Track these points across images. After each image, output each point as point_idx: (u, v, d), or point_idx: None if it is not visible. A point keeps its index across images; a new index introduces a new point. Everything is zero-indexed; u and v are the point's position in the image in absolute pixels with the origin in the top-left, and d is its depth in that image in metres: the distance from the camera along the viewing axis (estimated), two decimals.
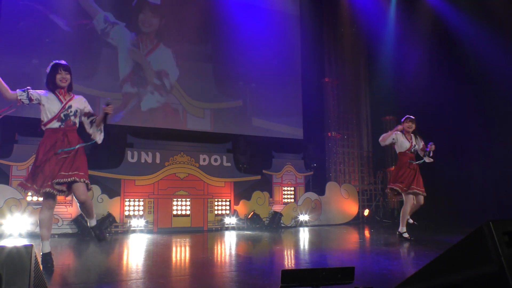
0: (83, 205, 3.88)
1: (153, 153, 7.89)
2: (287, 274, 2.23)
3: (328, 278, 2.24)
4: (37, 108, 3.84)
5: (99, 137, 3.99)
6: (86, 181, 3.77)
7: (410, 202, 6.11)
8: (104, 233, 4.21)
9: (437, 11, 9.71)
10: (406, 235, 6.03)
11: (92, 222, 4.13)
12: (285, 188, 9.30)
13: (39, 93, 3.79)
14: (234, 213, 8.32)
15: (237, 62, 9.28)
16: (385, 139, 6.28)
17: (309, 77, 10.46)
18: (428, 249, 5.22)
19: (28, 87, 3.75)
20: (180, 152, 8.10)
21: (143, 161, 7.78)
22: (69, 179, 3.67)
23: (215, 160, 8.40)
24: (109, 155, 7.53)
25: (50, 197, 3.72)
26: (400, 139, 6.27)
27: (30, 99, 3.72)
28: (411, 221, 6.26)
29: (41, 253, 3.73)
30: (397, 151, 6.36)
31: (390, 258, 4.47)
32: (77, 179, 3.69)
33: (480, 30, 8.59)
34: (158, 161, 7.89)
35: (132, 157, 7.71)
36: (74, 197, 3.87)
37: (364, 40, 11.37)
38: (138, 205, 7.63)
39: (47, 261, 3.72)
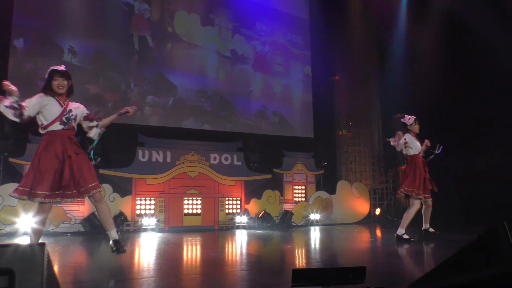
0: (100, 206, 3.75)
1: (164, 152, 7.92)
2: (298, 273, 2.22)
3: (339, 277, 2.22)
4: None
5: (94, 134, 3.89)
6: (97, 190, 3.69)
7: (417, 206, 5.94)
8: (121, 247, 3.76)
9: (449, 5, 9.60)
10: (406, 236, 5.74)
11: (113, 235, 3.76)
12: (296, 187, 9.28)
13: (35, 99, 3.58)
14: (245, 212, 8.33)
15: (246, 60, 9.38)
16: (397, 141, 5.98)
17: (319, 75, 10.43)
18: (441, 249, 5.16)
19: (20, 103, 3.46)
20: (191, 151, 8.12)
21: (154, 160, 7.81)
22: (90, 193, 3.63)
23: (226, 159, 8.42)
24: (121, 154, 7.58)
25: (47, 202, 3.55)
26: (413, 141, 6.00)
27: (28, 117, 3.52)
28: (431, 230, 5.97)
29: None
30: (410, 154, 6.00)
31: (402, 258, 4.44)
32: (93, 192, 3.64)
33: (494, 23, 8.46)
34: (169, 160, 7.92)
35: (143, 156, 7.75)
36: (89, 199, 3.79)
37: (375, 37, 11.29)
38: (149, 204, 7.67)
39: None
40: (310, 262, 4.41)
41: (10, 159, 6.86)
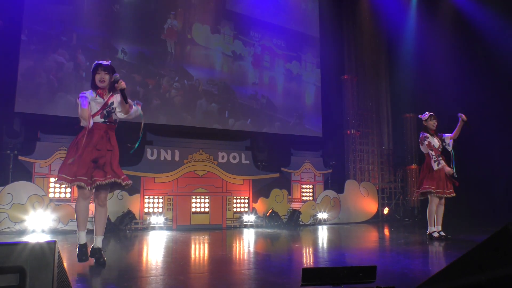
0: (102, 209, 3.87)
1: (172, 150, 7.95)
2: (308, 272, 2.21)
3: (349, 276, 2.22)
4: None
5: (134, 113, 3.93)
6: (126, 183, 3.84)
7: (436, 202, 6.03)
8: (104, 257, 3.82)
9: (459, 5, 9.53)
10: (436, 234, 5.95)
11: (98, 242, 3.84)
12: (304, 186, 9.26)
13: (88, 94, 3.79)
14: (253, 210, 8.33)
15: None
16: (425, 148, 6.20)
17: (328, 74, 10.42)
18: (451, 249, 5.13)
19: (84, 95, 3.74)
20: (199, 149, 8.15)
21: (162, 158, 7.85)
22: (107, 181, 3.71)
23: (234, 158, 8.43)
24: (129, 152, 7.60)
25: (83, 188, 3.65)
26: (432, 139, 6.17)
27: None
28: (443, 233, 5.98)
29: (77, 245, 3.76)
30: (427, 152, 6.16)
31: (411, 257, 4.42)
32: (117, 181, 3.77)
33: (504, 24, 8.38)
34: (177, 158, 7.95)
35: (152, 155, 7.78)
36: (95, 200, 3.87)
37: (384, 36, 11.23)
38: (158, 202, 7.70)
39: (84, 253, 3.73)
40: (318, 261, 4.40)
41: (20, 157, 6.91)
